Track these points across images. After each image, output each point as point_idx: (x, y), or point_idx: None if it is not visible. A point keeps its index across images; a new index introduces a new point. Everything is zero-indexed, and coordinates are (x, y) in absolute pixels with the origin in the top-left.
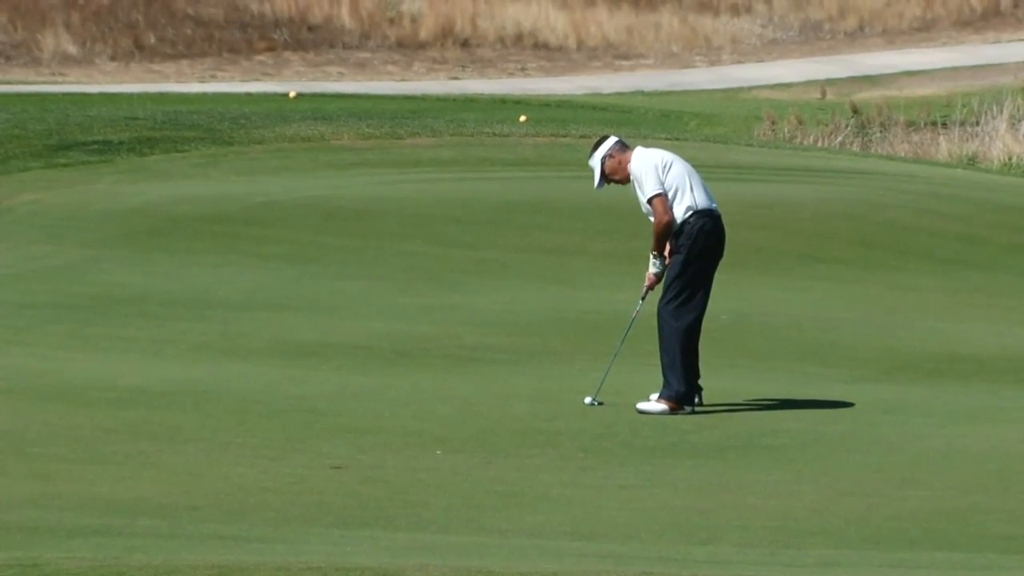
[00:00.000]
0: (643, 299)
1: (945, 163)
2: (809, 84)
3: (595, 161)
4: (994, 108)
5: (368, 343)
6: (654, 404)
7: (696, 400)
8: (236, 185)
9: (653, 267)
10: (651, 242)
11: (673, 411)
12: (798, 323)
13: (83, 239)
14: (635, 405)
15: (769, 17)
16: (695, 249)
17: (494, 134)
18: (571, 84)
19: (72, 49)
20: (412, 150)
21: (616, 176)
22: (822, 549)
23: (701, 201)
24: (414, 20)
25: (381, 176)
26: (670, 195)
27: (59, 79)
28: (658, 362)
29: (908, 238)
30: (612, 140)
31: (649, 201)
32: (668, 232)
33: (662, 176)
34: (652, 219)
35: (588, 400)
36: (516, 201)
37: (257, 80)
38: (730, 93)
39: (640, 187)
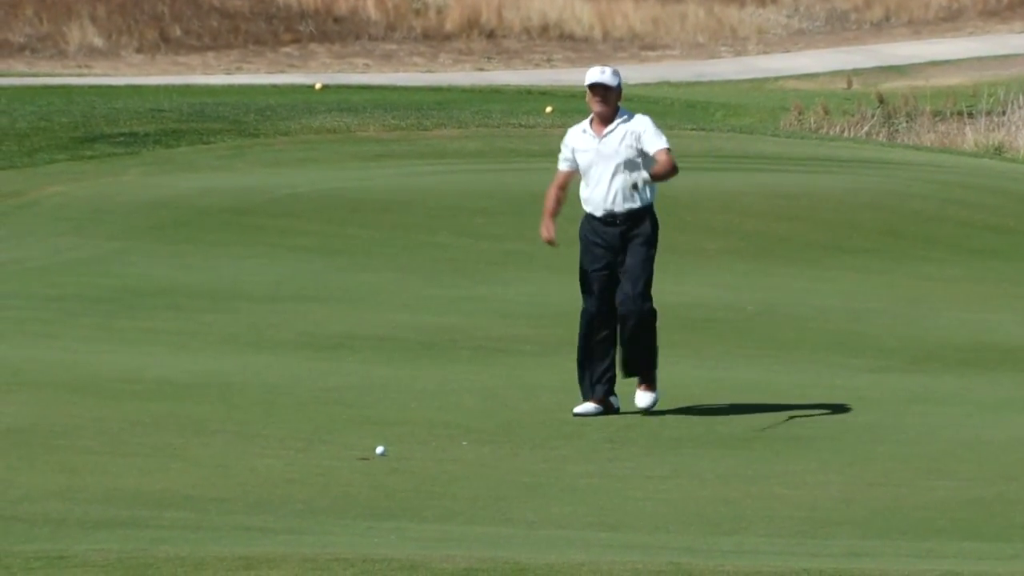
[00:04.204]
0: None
1: (972, 153)
2: (835, 74)
3: (616, 76)
4: (1021, 98)
5: (394, 335)
6: (648, 396)
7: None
8: (262, 177)
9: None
10: (654, 173)
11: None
12: (825, 313)
13: (109, 231)
14: (640, 407)
15: (795, 7)
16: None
17: (520, 125)
18: None
19: (98, 42)
20: (438, 141)
21: (609, 98)
22: (849, 539)
23: None
24: (440, 11)
25: (407, 168)
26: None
27: (85, 72)
28: (679, 354)
29: (935, 228)
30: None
31: (669, 150)
32: (671, 177)
33: None
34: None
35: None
36: (542, 192)
37: (283, 72)
38: (756, 83)
39: (654, 135)
